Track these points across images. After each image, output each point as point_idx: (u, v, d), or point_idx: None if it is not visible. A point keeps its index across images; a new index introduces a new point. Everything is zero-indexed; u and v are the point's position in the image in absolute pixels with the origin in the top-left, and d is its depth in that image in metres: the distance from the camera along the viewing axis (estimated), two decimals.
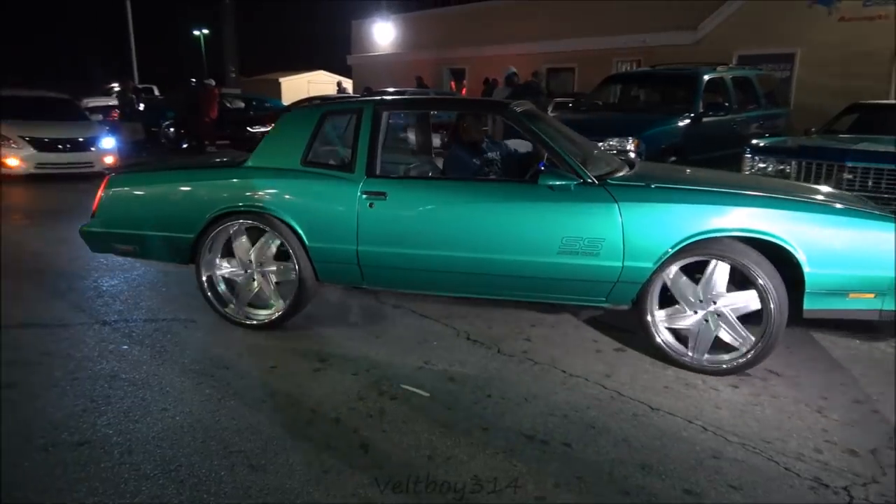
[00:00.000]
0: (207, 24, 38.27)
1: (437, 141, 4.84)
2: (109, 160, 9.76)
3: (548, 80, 15.27)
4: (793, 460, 2.43)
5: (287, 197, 3.56)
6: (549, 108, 9.81)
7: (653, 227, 3.10)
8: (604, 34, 14.81)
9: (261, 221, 3.59)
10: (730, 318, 3.14)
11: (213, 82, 15.27)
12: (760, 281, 3.00)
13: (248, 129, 13.55)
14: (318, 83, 27.26)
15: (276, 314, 3.69)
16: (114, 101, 21.21)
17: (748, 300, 3.09)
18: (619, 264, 3.15)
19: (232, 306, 3.76)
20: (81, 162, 9.49)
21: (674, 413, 2.79)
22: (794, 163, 5.26)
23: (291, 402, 2.85)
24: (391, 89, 14.29)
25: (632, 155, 6.67)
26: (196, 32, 41.89)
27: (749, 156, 5.54)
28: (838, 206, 3.19)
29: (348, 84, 22.42)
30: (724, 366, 3.16)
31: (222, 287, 3.80)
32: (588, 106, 8.23)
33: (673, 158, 6.80)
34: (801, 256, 2.98)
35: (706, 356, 3.21)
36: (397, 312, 4.07)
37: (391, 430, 2.62)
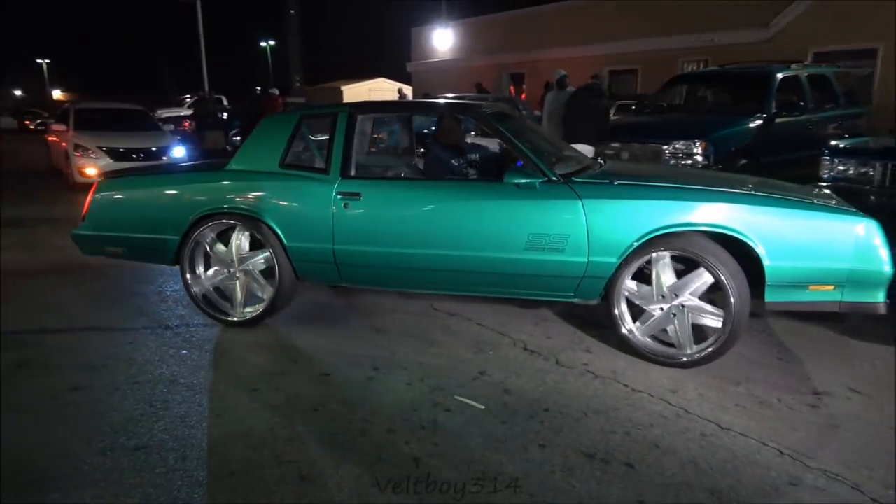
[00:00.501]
0: (274, 35, 39.42)
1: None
2: None
3: (609, 83, 14.93)
4: (881, 489, 2.22)
5: (266, 198, 3.68)
6: (612, 111, 9.56)
7: (616, 222, 3.20)
8: (669, 34, 14.39)
9: (241, 222, 3.72)
10: (687, 317, 3.22)
11: (276, 91, 15.63)
12: (722, 276, 3.06)
13: (311, 136, 13.79)
14: (378, 90, 27.68)
15: (257, 311, 3.80)
16: (186, 112, 22.11)
17: (707, 307, 3.19)
18: (585, 260, 3.25)
19: (230, 311, 3.88)
20: None
21: (746, 434, 2.60)
22: (877, 165, 4.90)
23: (344, 411, 2.81)
24: (450, 95, 14.28)
25: (699, 158, 6.42)
26: (263, 44, 43.28)
27: (827, 158, 5.20)
28: (797, 200, 3.20)
29: (409, 91, 22.58)
30: (685, 359, 3.23)
31: (204, 283, 3.89)
32: (652, 108, 7.95)
33: (743, 161, 6.48)
34: (760, 250, 3.04)
35: (653, 343, 3.33)
36: (452, 320, 4.00)
37: (443, 443, 2.54)
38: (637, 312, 3.38)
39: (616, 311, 3.35)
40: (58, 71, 60.07)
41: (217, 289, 3.93)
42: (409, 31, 24.28)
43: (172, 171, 4.49)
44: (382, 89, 27.99)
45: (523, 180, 3.30)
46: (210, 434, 2.59)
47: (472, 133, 7.80)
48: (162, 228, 3.85)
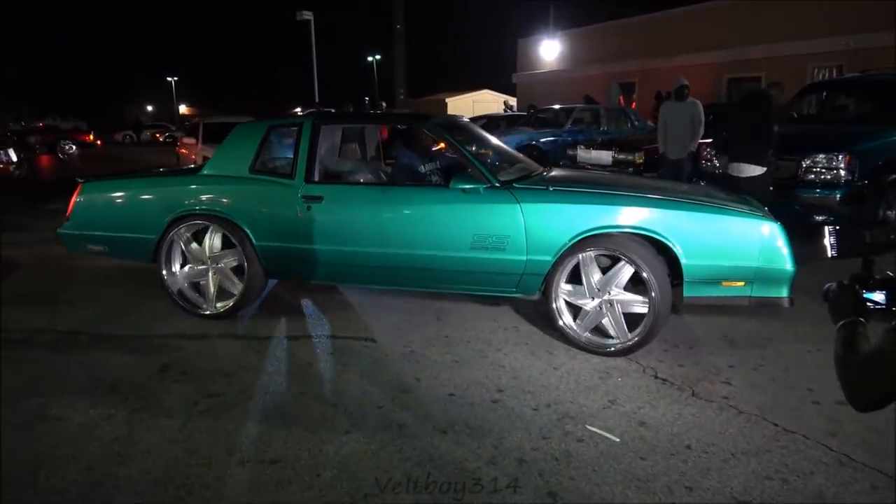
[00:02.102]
0: (380, 49, 40.58)
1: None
2: None
3: (728, 92, 14.16)
4: None
5: (237, 201, 4.02)
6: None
7: (550, 224, 3.54)
8: (797, 38, 13.44)
9: (214, 223, 4.05)
10: (617, 309, 3.55)
11: (384, 104, 16.05)
12: (643, 271, 3.39)
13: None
14: (482, 102, 27.80)
15: (227, 305, 4.11)
16: None
17: (634, 298, 3.52)
18: (524, 258, 3.57)
19: (203, 305, 4.18)
20: None
21: None
22: None
23: (472, 434, 2.73)
24: (556, 106, 14.07)
25: (842, 173, 5.87)
26: (369, 58, 44.65)
27: None
28: (711, 204, 3.56)
29: (514, 102, 22.49)
30: (611, 349, 3.56)
31: (180, 279, 4.21)
32: (784, 118, 7.40)
33: (893, 177, 5.87)
34: (677, 249, 3.39)
35: (587, 335, 3.63)
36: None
37: (579, 477, 2.40)
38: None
39: (553, 306, 3.65)
40: (184, 87, 64.80)
41: (193, 285, 4.25)
42: (515, 42, 24.25)
43: (151, 175, 4.86)
44: (486, 101, 28.11)
45: (468, 186, 3.62)
46: (340, 451, 2.59)
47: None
48: (141, 228, 4.18)
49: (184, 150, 12.09)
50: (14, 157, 10.14)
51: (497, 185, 3.66)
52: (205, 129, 11.21)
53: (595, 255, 3.57)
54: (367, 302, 4.60)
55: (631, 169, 8.46)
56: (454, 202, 3.68)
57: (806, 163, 6.00)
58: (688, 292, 3.49)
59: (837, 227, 1.55)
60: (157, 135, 37.92)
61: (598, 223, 3.47)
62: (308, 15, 27.38)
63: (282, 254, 3.99)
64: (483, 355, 3.64)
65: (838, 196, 5.74)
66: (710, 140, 7.36)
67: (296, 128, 4.15)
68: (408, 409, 2.96)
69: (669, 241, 3.40)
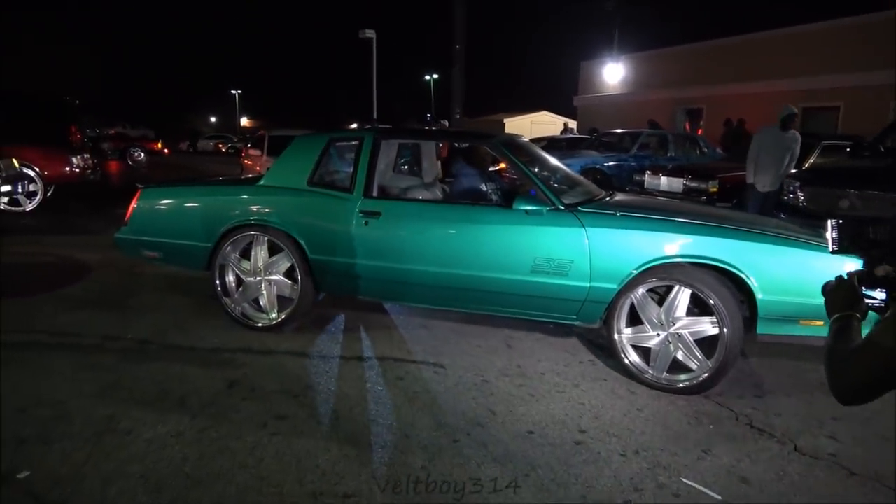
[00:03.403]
0: (438, 68, 40.94)
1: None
2: None
3: (803, 121, 13.57)
4: None
5: (293, 213, 3.98)
6: (816, 153, 8.57)
7: (617, 250, 3.39)
8: (882, 67, 12.78)
9: (269, 234, 4.00)
10: (688, 340, 3.38)
11: (446, 122, 16.02)
12: (715, 305, 3.22)
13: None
14: (540, 124, 27.61)
15: (277, 319, 4.09)
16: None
17: (705, 325, 3.34)
18: (587, 284, 3.44)
19: (229, 300, 4.18)
20: None
21: None
22: None
23: (557, 480, 2.52)
24: (619, 130, 13.76)
25: None
26: (427, 77, 45.10)
27: None
28: (791, 237, 3.35)
29: (574, 125, 22.23)
30: (680, 385, 3.38)
31: (231, 279, 4.19)
32: (873, 151, 6.98)
33: None
34: (753, 283, 3.21)
35: (664, 375, 3.44)
36: None
37: None
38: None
39: (616, 337, 3.51)
40: (247, 100, 66.83)
41: (246, 294, 4.18)
42: (577, 64, 24.02)
43: (209, 184, 4.88)
44: (544, 122, 27.90)
45: (531, 207, 3.50)
46: (419, 491, 2.41)
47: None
48: (195, 236, 4.16)
49: (248, 162, 12.29)
50: (89, 163, 10.47)
51: (561, 207, 3.54)
52: (270, 141, 11.37)
53: (667, 287, 3.40)
54: (434, 324, 4.44)
55: (704, 198, 8.11)
56: (516, 223, 3.56)
57: None
58: (762, 329, 3.29)
59: (840, 221, 1.41)
60: (220, 145, 39.06)
61: (669, 252, 3.32)
62: (370, 33, 27.82)
63: (335, 268, 3.92)
64: (560, 390, 3.43)
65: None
66: (794, 171, 6.99)
67: (356, 141, 4.08)
68: (484, 445, 2.77)
69: (745, 275, 3.22)
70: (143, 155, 22.45)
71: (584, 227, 3.44)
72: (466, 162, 4.59)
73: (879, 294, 1.35)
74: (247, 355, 3.75)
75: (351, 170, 4.01)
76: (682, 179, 8.76)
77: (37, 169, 9.24)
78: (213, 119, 69.86)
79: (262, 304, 4.18)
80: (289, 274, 4.12)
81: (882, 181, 5.96)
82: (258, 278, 4.14)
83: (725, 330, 3.22)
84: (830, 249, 1.61)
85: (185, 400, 3.10)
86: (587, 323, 3.63)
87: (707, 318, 3.33)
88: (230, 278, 4.21)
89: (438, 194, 4.78)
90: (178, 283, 5.28)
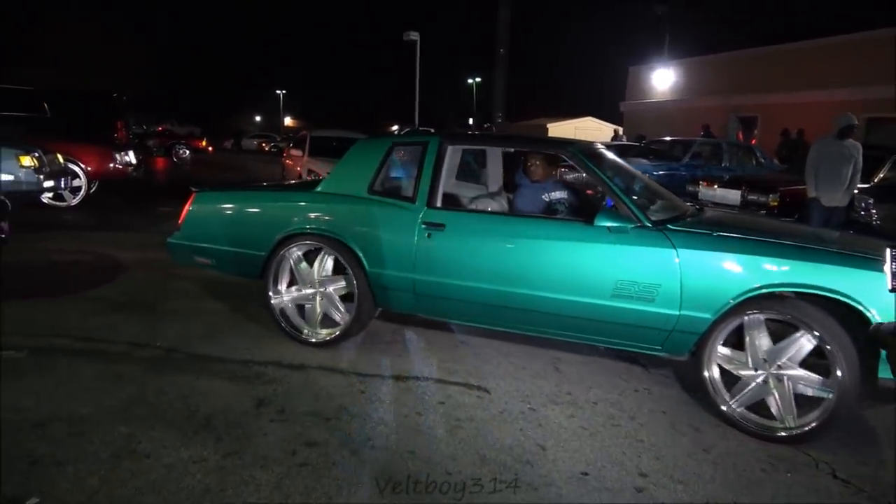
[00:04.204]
0: (481, 72, 40.69)
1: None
2: None
3: (867, 132, 12.89)
4: None
5: (351, 222, 3.72)
6: (887, 167, 8.02)
7: (713, 276, 3.01)
8: None
9: (325, 244, 3.77)
10: (787, 386, 2.96)
11: (490, 126, 15.76)
12: (829, 346, 2.80)
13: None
14: (585, 129, 27.11)
15: (334, 334, 3.83)
16: None
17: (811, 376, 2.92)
18: (676, 313, 3.07)
19: (294, 322, 3.94)
20: None
21: None
22: None
23: None
24: (668, 138, 13.28)
25: None
26: (469, 80, 44.90)
27: None
28: None
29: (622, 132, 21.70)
30: (778, 433, 2.97)
31: (287, 302, 3.95)
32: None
33: None
34: (877, 319, 2.71)
35: (742, 410, 3.07)
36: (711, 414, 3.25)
37: None
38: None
39: (706, 374, 3.14)
40: (290, 100, 67.68)
41: (298, 308, 3.99)
42: (625, 69, 23.48)
43: (265, 189, 4.66)
44: (589, 128, 27.38)
45: (615, 224, 3.17)
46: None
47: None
48: (250, 244, 3.96)
49: (289, 162, 12.22)
50: (133, 160, 10.52)
51: (648, 224, 3.19)
52: (312, 141, 11.26)
53: (764, 319, 2.99)
54: (475, 342, 4.16)
55: (763, 212, 7.65)
56: (597, 241, 3.22)
57: None
58: (884, 373, 2.81)
59: None
60: (263, 144, 39.53)
61: (776, 280, 2.92)
62: (415, 36, 27.77)
63: (395, 283, 3.65)
64: (615, 423, 3.12)
65: None
66: (865, 186, 6.51)
67: (420, 147, 3.81)
68: (535, 488, 2.48)
69: (867, 309, 2.75)
70: (187, 152, 22.76)
71: (674, 247, 3.08)
72: (525, 171, 4.27)
73: None
74: (278, 369, 3.53)
75: (414, 177, 3.75)
76: (739, 191, 8.29)
77: (81, 164, 9.29)
78: (257, 118, 71.00)
79: (314, 317, 3.94)
80: (346, 295, 3.89)
81: None
82: (314, 290, 3.92)
83: (840, 373, 2.79)
84: (890, 286, 1.24)
85: (211, 419, 2.89)
86: (673, 355, 3.27)
87: (817, 378, 2.92)
88: (282, 287, 3.98)
89: (504, 205, 4.45)
90: (214, 288, 5.12)
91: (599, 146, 4.19)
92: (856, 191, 6.41)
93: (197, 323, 4.27)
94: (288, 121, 66.74)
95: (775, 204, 7.65)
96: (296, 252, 3.89)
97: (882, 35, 14.15)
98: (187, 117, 42.36)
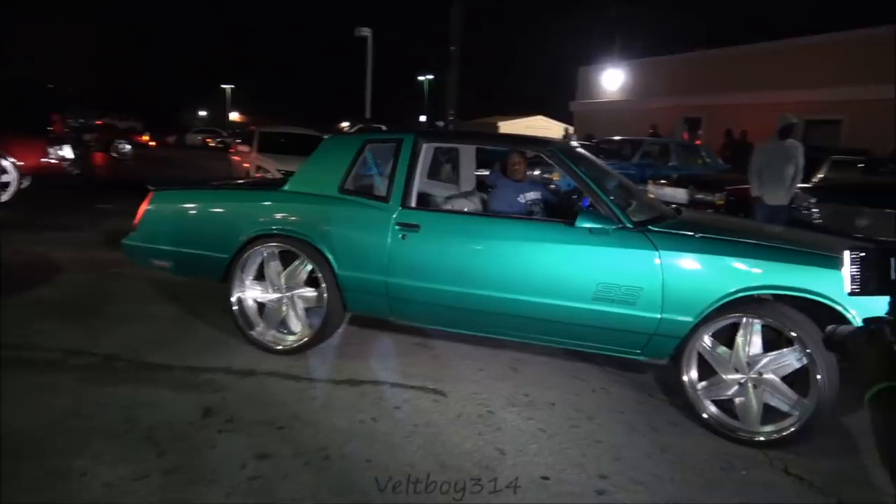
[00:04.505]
0: (433, 69, 40.59)
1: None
2: None
3: (805, 134, 13.37)
4: None
5: (320, 223, 3.57)
6: (826, 167, 8.33)
7: (695, 278, 2.99)
8: (886, 81, 12.59)
9: (293, 246, 3.59)
10: (761, 394, 2.95)
11: (442, 124, 15.72)
12: (811, 350, 2.77)
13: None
14: (535, 128, 27.35)
15: (302, 340, 3.66)
16: None
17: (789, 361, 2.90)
18: (657, 316, 3.02)
19: (259, 328, 3.74)
20: None
21: None
22: None
23: None
24: (618, 138, 13.50)
25: None
26: (421, 77, 44.69)
27: None
28: None
29: (572, 130, 21.98)
30: (762, 438, 2.93)
31: (251, 306, 3.75)
32: (893, 168, 6.73)
33: None
34: (857, 320, 2.67)
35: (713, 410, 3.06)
36: (677, 413, 3.27)
37: None
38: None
39: (685, 378, 3.10)
40: (237, 95, 66.15)
41: (261, 309, 3.80)
42: (574, 68, 23.79)
43: (228, 188, 4.43)
44: (540, 127, 27.64)
45: (596, 225, 3.10)
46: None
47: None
48: (212, 246, 3.77)
49: (237, 158, 11.90)
50: (70, 155, 10.00)
51: (629, 226, 3.13)
52: (260, 137, 10.99)
53: (757, 323, 2.95)
54: (432, 343, 4.09)
55: (711, 211, 7.82)
56: (578, 243, 3.15)
57: None
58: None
59: (862, 254, 1.01)
60: (209, 140, 38.48)
61: (760, 282, 2.90)
62: (366, 31, 27.47)
63: (367, 287, 3.51)
64: (574, 424, 3.10)
65: None
66: (806, 186, 6.72)
67: (394, 144, 3.67)
68: (495, 492, 2.43)
69: (846, 310, 2.74)
70: (128, 147, 21.87)
71: (656, 249, 3.03)
72: (503, 170, 4.19)
73: None
74: (226, 376, 3.37)
75: (387, 176, 3.62)
76: (687, 191, 8.47)
77: (11, 159, 8.78)
78: (202, 113, 69.08)
79: (288, 324, 3.76)
80: (313, 281, 3.72)
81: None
82: (280, 295, 3.73)
83: (819, 377, 2.77)
84: (849, 290, 1.20)
85: (154, 432, 2.72)
86: (653, 359, 3.22)
87: (791, 394, 2.91)
88: (248, 293, 3.78)
89: (479, 205, 4.32)
90: (160, 290, 4.89)
91: (577, 146, 4.14)
92: (797, 190, 6.61)
93: (140, 327, 4.06)
94: (235, 116, 65.15)
95: (721, 203, 7.84)
96: (261, 254, 3.71)
97: (821, 40, 14.73)
98: (128, 111, 40.80)
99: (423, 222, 3.42)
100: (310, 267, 3.62)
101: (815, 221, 6.12)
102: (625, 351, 3.25)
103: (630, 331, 3.11)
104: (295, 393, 3.24)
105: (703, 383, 3.10)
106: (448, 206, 4.05)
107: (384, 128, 23.18)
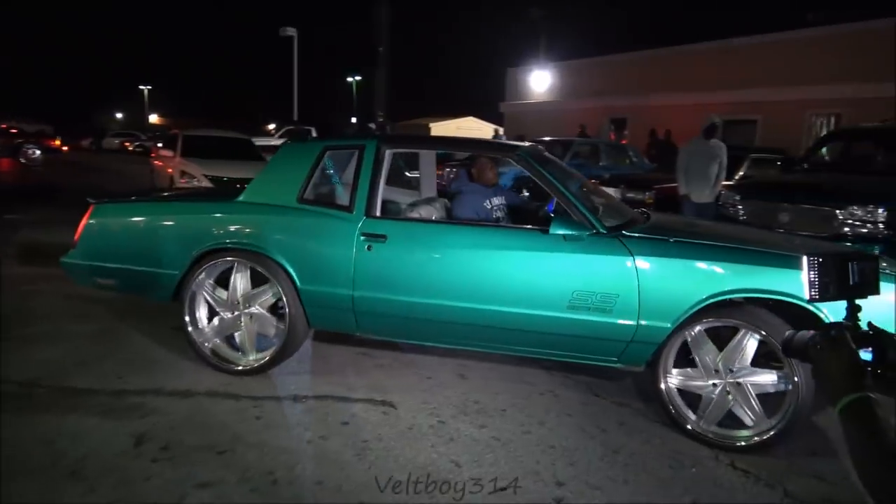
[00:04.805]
0: (361, 70, 40.24)
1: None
2: None
3: (724, 133, 13.98)
4: None
5: (280, 235, 3.40)
6: (745, 165, 8.71)
7: (672, 283, 2.94)
8: (796, 84, 13.35)
9: (250, 260, 3.40)
10: (748, 392, 2.93)
11: (374, 126, 15.55)
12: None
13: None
14: (466, 129, 27.54)
15: (263, 360, 3.46)
16: (277, 142, 22.43)
17: (772, 378, 2.90)
18: (634, 323, 2.97)
19: (198, 336, 3.53)
20: None
21: None
22: None
23: None
24: (547, 138, 13.70)
25: (881, 227, 5.52)
26: (349, 79, 44.22)
27: None
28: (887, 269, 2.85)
29: (502, 131, 22.21)
30: (740, 443, 2.94)
31: (203, 312, 3.56)
32: (809, 165, 7.09)
33: None
34: (829, 320, 2.56)
35: (713, 427, 3.00)
36: (624, 413, 3.31)
37: None
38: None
39: (663, 386, 3.08)
40: (156, 97, 63.50)
41: (223, 334, 3.60)
42: (504, 70, 24.06)
43: (177, 199, 4.19)
44: (470, 128, 27.85)
45: (570, 232, 3.02)
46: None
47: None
48: (162, 262, 3.53)
49: (159, 163, 11.34)
50: None
51: (603, 231, 3.06)
52: (184, 141, 10.50)
53: (703, 330, 2.97)
54: (376, 353, 3.98)
55: (641, 209, 8.05)
56: (552, 250, 3.06)
57: (841, 213, 5.66)
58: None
59: (821, 260, 1.03)
60: (127, 144, 36.78)
61: (733, 286, 2.86)
62: (291, 31, 26.91)
63: (332, 301, 3.34)
64: (526, 430, 3.07)
65: (876, 252, 5.40)
66: (729, 183, 6.99)
67: (355, 150, 3.52)
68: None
69: (819, 310, 2.73)
70: (38, 153, 20.53)
71: (631, 255, 2.96)
72: (469, 174, 4.08)
73: (866, 355, 1.04)
74: (158, 399, 3.16)
75: (350, 184, 3.45)
76: (619, 190, 8.68)
77: None
78: (119, 116, 65.96)
79: (239, 341, 3.55)
80: (274, 307, 3.53)
81: (816, 195, 6.00)
82: (236, 312, 3.51)
83: (797, 379, 2.77)
84: (809, 296, 1.20)
85: (82, 465, 2.50)
86: (630, 366, 3.16)
87: (773, 375, 2.90)
88: (202, 311, 3.56)
89: (443, 212, 4.15)
90: (82, 306, 4.56)
91: (543, 150, 3.96)
92: (722, 188, 6.88)
93: (60, 349, 3.76)
94: (154, 118, 62.50)
95: (651, 201, 8.07)
96: (215, 270, 3.51)
97: (738, 44, 15.45)
98: (39, 115, 38.47)
99: (390, 232, 3.27)
100: (247, 274, 3.46)
101: (740, 218, 6.35)
102: (601, 359, 3.18)
103: (606, 339, 3.05)
104: (235, 413, 3.06)
105: (700, 413, 3.03)
106: (414, 214, 3.86)
107: (313, 130, 22.81)
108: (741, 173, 8.46)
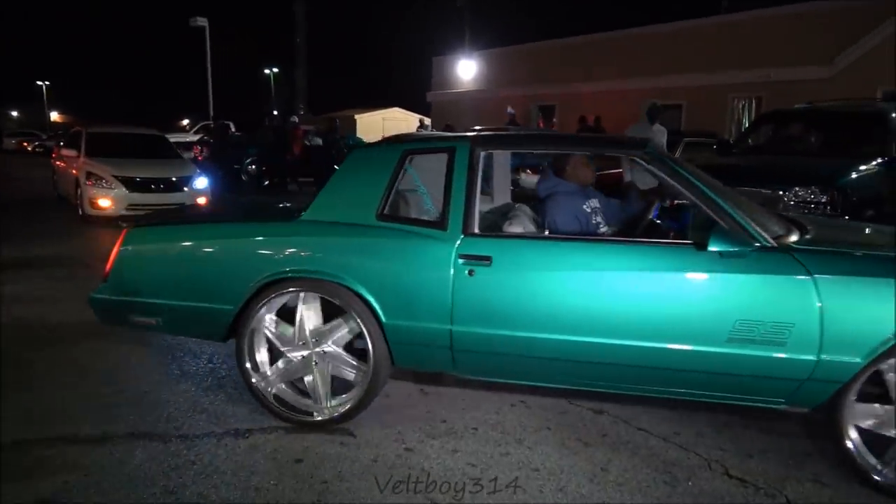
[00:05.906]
0: (279, 62, 38.93)
1: None
2: (202, 201, 9.17)
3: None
4: None
5: (357, 260, 2.83)
6: (680, 148, 8.75)
7: (863, 309, 2.39)
8: (718, 69, 13.67)
9: (321, 291, 2.85)
10: None
11: (296, 120, 14.92)
12: None
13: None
14: (392, 120, 27.04)
15: (341, 409, 2.90)
16: (192, 138, 21.24)
17: None
18: (813, 357, 2.42)
19: (261, 380, 2.97)
20: (174, 203, 8.81)
21: None
22: None
23: None
24: (478, 128, 13.48)
25: (826, 209, 5.55)
26: (266, 71, 42.70)
27: None
28: None
29: (429, 122, 21.86)
30: None
31: (264, 353, 3.00)
32: (744, 149, 7.12)
33: (871, 213, 5.62)
34: None
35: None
36: (603, 422, 3.06)
37: None
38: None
39: (848, 443, 2.51)
40: (57, 93, 59.47)
41: (290, 380, 3.03)
42: (429, 59, 23.68)
43: (225, 220, 3.56)
44: (396, 119, 27.33)
45: (729, 248, 2.45)
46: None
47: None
48: (213, 295, 2.96)
49: (61, 164, 10.38)
50: None
51: (772, 244, 2.51)
52: (89, 139, 9.63)
53: None
54: None
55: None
56: (706, 271, 2.51)
57: (786, 195, 5.66)
58: None
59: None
60: (25, 143, 34.26)
61: None
62: (203, 21, 25.56)
63: (424, 337, 2.80)
64: (504, 451, 2.75)
65: None
66: None
67: (445, 154, 2.91)
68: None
69: None
70: None
71: (810, 274, 2.42)
72: (557, 172, 3.46)
73: None
74: (70, 448, 2.65)
75: (440, 196, 2.87)
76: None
77: None
78: (14, 114, 61.41)
79: (310, 387, 2.98)
80: (351, 345, 3.00)
81: (760, 178, 6.00)
82: (307, 352, 2.95)
83: None
84: None
85: None
86: (798, 407, 2.62)
87: None
88: (262, 352, 3.00)
89: (531, 223, 3.45)
90: None
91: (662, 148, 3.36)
92: None
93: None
94: (55, 116, 58.54)
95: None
96: (277, 303, 2.95)
97: (663, 30, 15.69)
98: None
99: (496, 253, 2.70)
100: (352, 334, 2.92)
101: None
102: (766, 400, 2.64)
103: (776, 377, 2.52)
104: (166, 459, 2.59)
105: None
106: (514, 228, 3.24)
107: (231, 125, 21.71)
108: (677, 157, 8.48)
